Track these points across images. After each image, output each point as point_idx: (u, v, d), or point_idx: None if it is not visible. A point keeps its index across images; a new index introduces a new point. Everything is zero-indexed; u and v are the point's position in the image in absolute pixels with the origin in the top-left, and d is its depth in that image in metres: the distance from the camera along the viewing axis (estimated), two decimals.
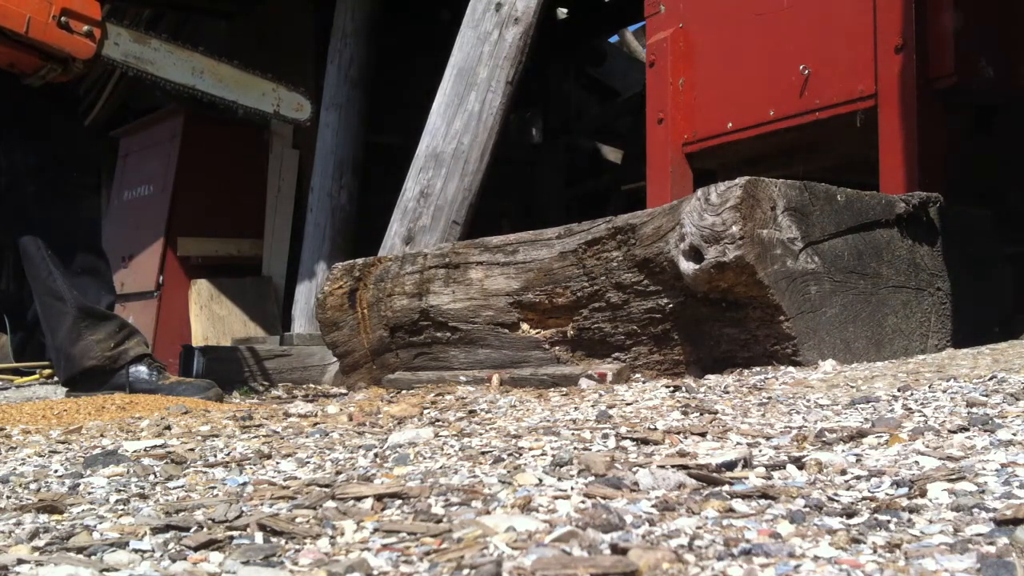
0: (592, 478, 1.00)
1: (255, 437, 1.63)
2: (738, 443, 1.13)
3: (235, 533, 0.88)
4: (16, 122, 2.88)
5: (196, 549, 0.84)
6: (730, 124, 2.77)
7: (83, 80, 5.70)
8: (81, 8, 2.64)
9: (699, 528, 0.78)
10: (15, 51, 2.61)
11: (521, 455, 1.18)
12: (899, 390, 1.38)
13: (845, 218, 1.85)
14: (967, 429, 1.09)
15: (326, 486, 1.08)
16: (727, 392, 1.58)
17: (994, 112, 2.47)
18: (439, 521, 0.87)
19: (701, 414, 1.37)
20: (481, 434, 1.41)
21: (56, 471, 1.38)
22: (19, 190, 2.89)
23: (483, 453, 1.22)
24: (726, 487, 0.92)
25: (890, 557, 0.69)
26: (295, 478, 1.19)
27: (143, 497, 1.14)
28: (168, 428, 1.86)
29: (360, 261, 2.65)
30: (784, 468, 0.99)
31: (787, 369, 1.73)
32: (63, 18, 2.60)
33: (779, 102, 2.63)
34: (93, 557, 0.84)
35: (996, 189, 2.58)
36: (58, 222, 2.87)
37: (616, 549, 0.72)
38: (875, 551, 0.70)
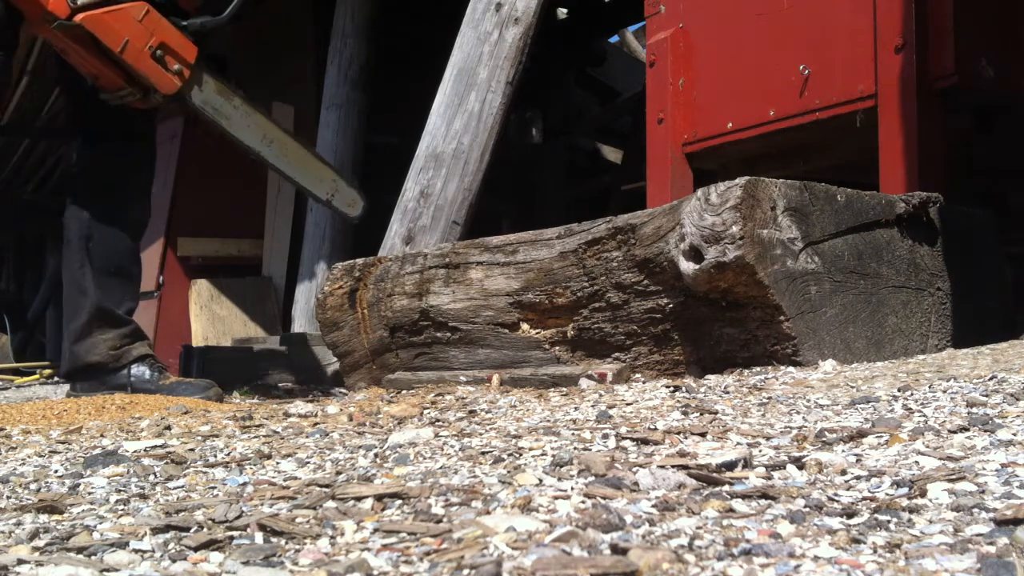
0: (592, 478, 1.00)
1: (255, 437, 1.63)
2: (738, 443, 1.13)
3: (235, 533, 0.89)
4: (93, 123, 2.94)
5: (196, 549, 0.84)
6: (730, 124, 2.77)
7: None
8: (178, 47, 2.74)
9: (699, 528, 0.78)
10: (104, 66, 2.69)
11: (521, 455, 1.18)
12: (899, 390, 1.38)
13: (845, 218, 1.85)
14: (967, 429, 1.09)
15: (326, 486, 1.08)
16: (727, 392, 1.58)
17: (994, 112, 2.47)
18: (439, 521, 0.87)
19: (701, 414, 1.37)
20: (481, 434, 1.41)
21: (56, 471, 1.38)
22: (82, 180, 2.95)
23: (483, 453, 1.22)
24: (726, 487, 0.92)
25: (890, 557, 0.69)
26: (295, 478, 1.19)
27: (143, 497, 1.14)
28: (168, 428, 1.86)
29: (360, 261, 2.65)
30: (784, 468, 0.99)
31: (787, 369, 1.73)
32: (159, 51, 2.70)
33: (779, 102, 2.63)
34: (93, 557, 0.84)
35: (996, 189, 2.58)
36: (109, 219, 2.91)
37: (616, 549, 0.72)
38: (875, 551, 0.70)
